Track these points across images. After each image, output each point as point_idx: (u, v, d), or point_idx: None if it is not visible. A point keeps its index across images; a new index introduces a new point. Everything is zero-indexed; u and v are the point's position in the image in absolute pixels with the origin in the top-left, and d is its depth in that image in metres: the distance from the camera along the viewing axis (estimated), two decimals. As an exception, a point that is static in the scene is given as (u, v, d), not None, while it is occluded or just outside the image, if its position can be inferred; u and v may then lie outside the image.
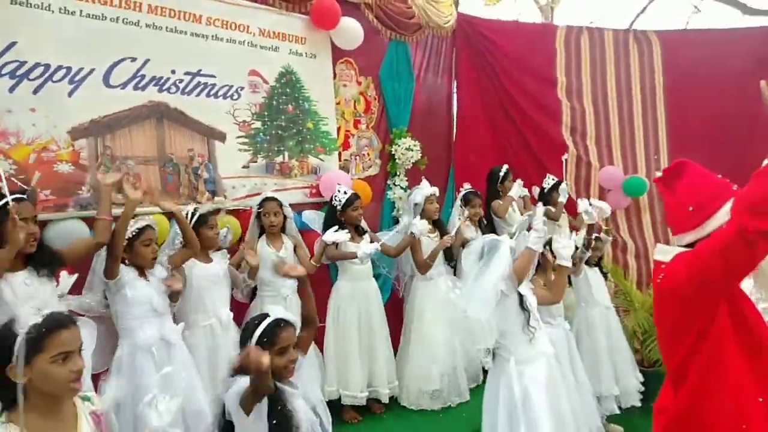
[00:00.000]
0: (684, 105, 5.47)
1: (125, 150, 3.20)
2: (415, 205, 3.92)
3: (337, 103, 4.42)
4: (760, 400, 1.55)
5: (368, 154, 4.72)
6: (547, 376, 2.83)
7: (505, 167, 4.68)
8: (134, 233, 2.61)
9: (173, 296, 2.80)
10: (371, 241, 3.66)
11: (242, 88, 3.76)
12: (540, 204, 4.33)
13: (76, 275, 2.28)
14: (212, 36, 3.59)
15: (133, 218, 2.61)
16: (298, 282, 2.40)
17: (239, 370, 1.83)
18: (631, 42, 5.66)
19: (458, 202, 4.26)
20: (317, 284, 3.62)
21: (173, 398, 1.73)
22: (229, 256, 3.26)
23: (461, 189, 4.35)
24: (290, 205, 3.59)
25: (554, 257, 3.14)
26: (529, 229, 2.87)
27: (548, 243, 3.47)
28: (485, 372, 3.29)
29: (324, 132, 4.26)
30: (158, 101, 3.33)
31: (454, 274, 3.88)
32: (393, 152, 4.74)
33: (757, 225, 1.35)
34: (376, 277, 4.00)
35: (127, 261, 2.63)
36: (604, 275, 3.89)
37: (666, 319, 1.69)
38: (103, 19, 3.09)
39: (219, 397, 1.89)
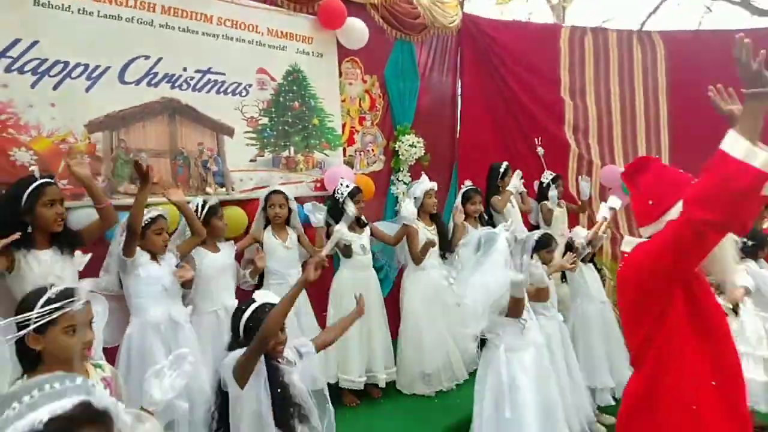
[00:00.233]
0: (686, 106, 5.52)
1: (138, 143, 3.36)
2: (415, 198, 4.05)
3: (343, 101, 4.56)
4: (713, 383, 1.62)
5: (373, 150, 4.86)
6: (535, 365, 2.94)
7: (505, 164, 4.79)
8: (147, 222, 2.77)
9: (186, 283, 2.95)
10: (371, 234, 3.81)
11: (250, 86, 3.91)
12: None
13: (90, 254, 2.45)
14: (222, 35, 3.75)
15: (146, 207, 2.78)
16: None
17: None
18: (634, 42, 5.74)
19: (458, 199, 4.38)
20: (323, 272, 3.81)
21: (179, 377, 1.78)
22: (234, 243, 3.41)
23: (462, 186, 4.48)
24: (295, 198, 3.74)
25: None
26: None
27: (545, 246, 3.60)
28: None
29: (329, 128, 4.41)
30: (170, 97, 3.49)
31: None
32: (397, 149, 4.88)
33: (702, 215, 1.44)
34: (379, 270, 4.15)
35: (140, 247, 2.79)
36: (598, 271, 4.00)
37: (626, 305, 1.78)
38: (119, 19, 3.26)
39: (215, 370, 2.03)
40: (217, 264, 3.14)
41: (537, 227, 4.71)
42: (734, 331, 3.50)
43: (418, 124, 5.06)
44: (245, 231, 3.71)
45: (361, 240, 3.73)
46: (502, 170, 4.78)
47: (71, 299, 1.62)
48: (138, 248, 2.74)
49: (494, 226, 4.37)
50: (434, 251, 3.98)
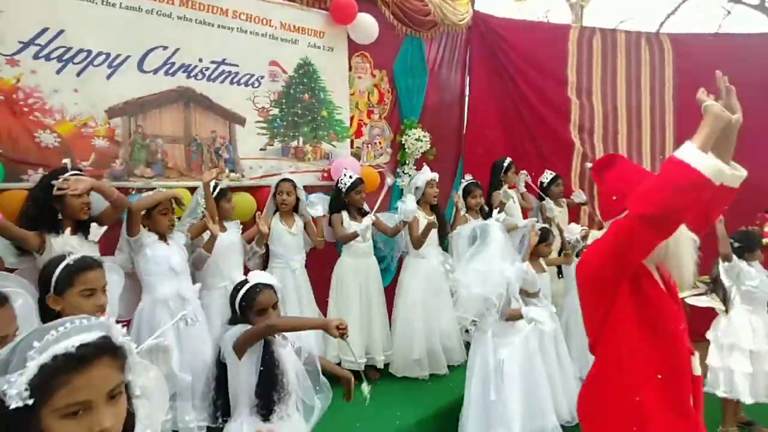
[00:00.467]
0: (692, 108, 5.45)
1: (155, 129, 3.54)
2: (416, 188, 4.19)
3: (352, 94, 4.70)
4: (659, 377, 1.67)
5: (380, 143, 5.00)
6: (521, 351, 3.09)
7: (508, 159, 4.92)
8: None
9: (198, 264, 3.21)
10: (373, 223, 3.97)
11: (262, 77, 4.07)
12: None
13: (105, 227, 2.65)
14: (237, 28, 3.91)
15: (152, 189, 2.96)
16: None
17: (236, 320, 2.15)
18: (643, 44, 5.79)
19: (459, 193, 4.51)
20: (325, 259, 3.99)
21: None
22: (242, 226, 3.59)
23: (464, 180, 4.61)
24: (303, 187, 3.91)
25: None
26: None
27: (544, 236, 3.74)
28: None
29: (337, 120, 4.56)
30: (186, 87, 3.66)
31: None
32: (403, 142, 5.01)
33: (638, 209, 1.53)
34: (382, 260, 4.30)
35: (148, 227, 2.98)
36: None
37: (582, 297, 1.84)
38: (140, 11, 3.43)
39: (215, 342, 2.20)
40: (224, 242, 3.32)
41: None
42: (723, 326, 3.64)
43: (425, 118, 5.17)
44: (254, 216, 3.88)
45: (361, 228, 3.87)
46: (505, 165, 4.91)
47: (87, 265, 1.82)
48: (145, 230, 2.93)
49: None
50: (433, 241, 4.12)
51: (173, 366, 2.79)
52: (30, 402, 0.86)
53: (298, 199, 3.83)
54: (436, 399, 3.62)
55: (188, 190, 3.47)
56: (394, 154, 5.08)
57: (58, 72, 3.12)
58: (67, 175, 2.61)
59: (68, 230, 2.50)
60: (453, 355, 4.06)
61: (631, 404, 1.69)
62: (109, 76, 3.31)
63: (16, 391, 0.85)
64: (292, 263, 3.76)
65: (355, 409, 3.42)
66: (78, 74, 3.19)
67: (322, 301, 3.92)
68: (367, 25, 4.53)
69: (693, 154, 1.50)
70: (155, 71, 3.51)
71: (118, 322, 1.01)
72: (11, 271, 2.40)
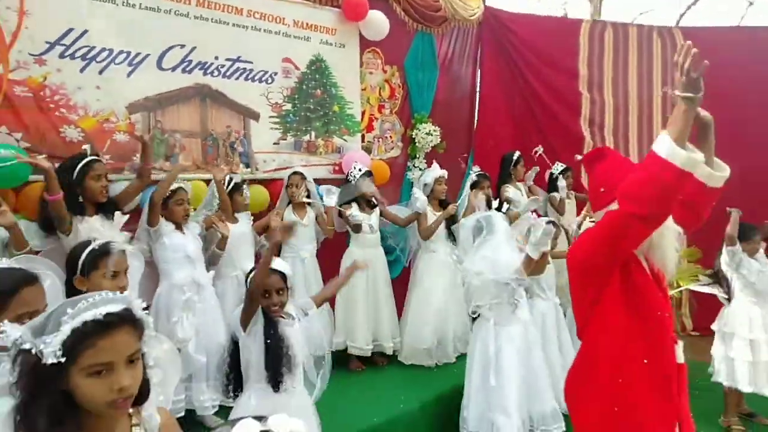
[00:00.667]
0: (704, 102, 5.51)
1: (173, 124, 3.71)
2: (425, 185, 4.30)
3: (363, 89, 4.82)
4: (645, 361, 1.73)
5: (391, 137, 5.11)
6: (521, 339, 3.18)
7: (517, 153, 4.99)
8: (168, 194, 3.12)
9: (214, 261, 3.36)
10: (382, 215, 4.10)
11: (276, 74, 4.21)
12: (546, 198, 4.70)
13: (128, 215, 2.83)
14: (251, 27, 4.05)
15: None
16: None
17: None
18: (654, 38, 5.80)
19: (468, 184, 4.61)
20: (335, 249, 4.13)
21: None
22: (253, 218, 3.75)
23: (472, 172, 4.71)
24: (314, 179, 4.06)
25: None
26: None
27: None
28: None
29: (349, 115, 4.69)
30: (202, 83, 3.81)
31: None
32: (413, 136, 5.12)
33: (631, 209, 1.61)
34: (391, 252, 4.43)
35: (165, 217, 3.14)
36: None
37: (572, 283, 1.92)
38: (158, 11, 3.59)
39: (228, 322, 2.37)
40: (236, 233, 3.48)
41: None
42: (725, 316, 3.72)
43: (435, 113, 5.26)
44: (267, 208, 4.04)
45: (370, 220, 4.03)
46: (514, 159, 4.99)
47: (110, 250, 1.98)
48: (163, 219, 3.10)
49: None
50: (443, 235, 4.23)
51: (189, 348, 2.97)
52: (63, 360, 1.01)
53: (308, 190, 3.96)
54: (440, 384, 3.73)
55: (204, 183, 3.64)
56: (404, 148, 5.19)
57: (82, 70, 3.29)
58: (88, 159, 2.81)
59: (93, 216, 2.68)
60: (463, 344, 4.17)
61: (616, 386, 1.77)
62: (129, 74, 3.48)
63: (52, 350, 1.00)
64: (302, 252, 3.91)
65: (360, 393, 3.60)
66: (100, 72, 3.36)
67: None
68: (378, 22, 4.64)
69: (668, 147, 1.57)
70: (173, 69, 3.68)
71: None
72: (36, 253, 2.58)
